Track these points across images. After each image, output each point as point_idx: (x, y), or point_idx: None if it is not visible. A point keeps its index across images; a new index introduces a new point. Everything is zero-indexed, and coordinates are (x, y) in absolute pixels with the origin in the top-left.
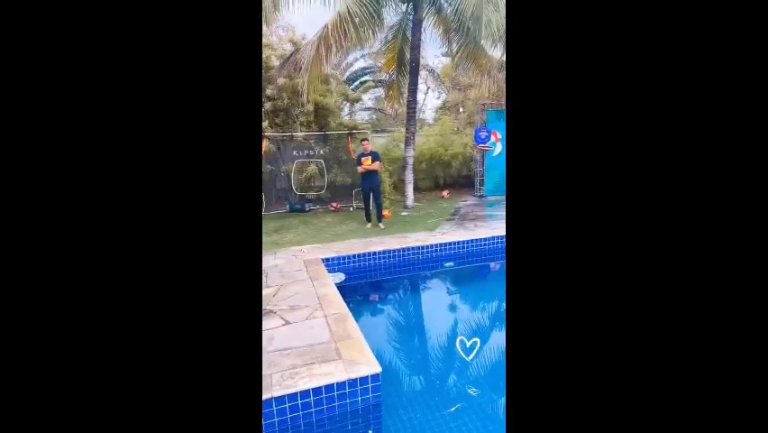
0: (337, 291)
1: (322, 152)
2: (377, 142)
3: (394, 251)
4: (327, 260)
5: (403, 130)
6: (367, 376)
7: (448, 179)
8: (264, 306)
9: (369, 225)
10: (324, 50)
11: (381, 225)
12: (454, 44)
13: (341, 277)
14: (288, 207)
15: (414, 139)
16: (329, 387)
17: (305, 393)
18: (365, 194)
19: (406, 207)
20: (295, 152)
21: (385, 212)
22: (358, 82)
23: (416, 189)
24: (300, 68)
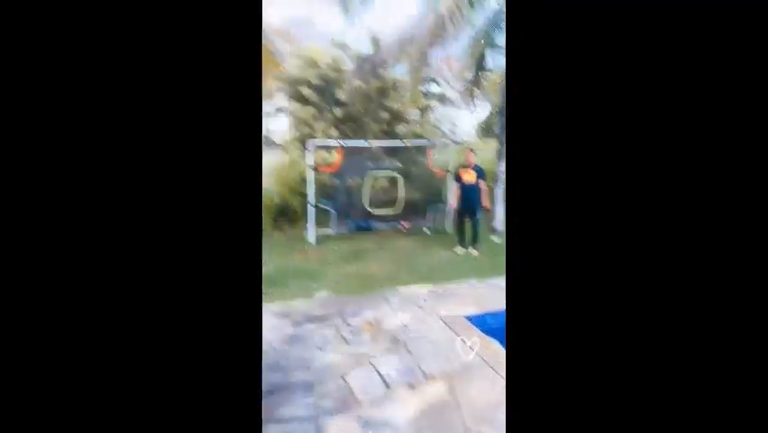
0: None
1: (397, 164)
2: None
3: None
4: (471, 319)
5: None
6: None
7: None
8: None
9: (463, 250)
10: (430, 40)
11: (475, 252)
12: None
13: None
14: (352, 226)
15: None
16: None
17: None
18: (461, 214)
19: (495, 232)
20: (370, 164)
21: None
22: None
23: None
24: (377, 70)
